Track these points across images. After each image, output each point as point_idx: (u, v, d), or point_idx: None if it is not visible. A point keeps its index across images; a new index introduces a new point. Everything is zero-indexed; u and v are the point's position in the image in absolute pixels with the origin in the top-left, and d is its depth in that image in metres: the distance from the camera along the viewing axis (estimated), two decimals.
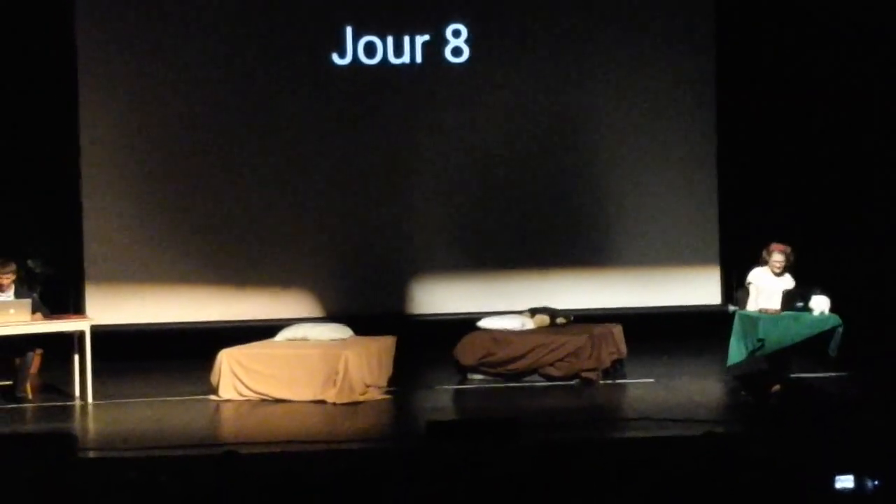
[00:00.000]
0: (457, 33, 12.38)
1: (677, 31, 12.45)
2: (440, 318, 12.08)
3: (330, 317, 11.69)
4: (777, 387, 8.88)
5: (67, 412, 9.23)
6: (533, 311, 10.79)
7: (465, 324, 10.56)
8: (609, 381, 9.96)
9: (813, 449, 6.52)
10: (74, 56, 12.13)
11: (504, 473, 6.28)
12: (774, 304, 9.13)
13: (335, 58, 12.35)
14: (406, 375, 10.07)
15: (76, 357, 9.58)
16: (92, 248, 12.17)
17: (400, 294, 12.32)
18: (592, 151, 12.51)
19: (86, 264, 12.14)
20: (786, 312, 9.03)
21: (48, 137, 12.03)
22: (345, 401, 9.13)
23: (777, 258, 9.26)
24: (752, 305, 9.32)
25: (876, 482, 5.51)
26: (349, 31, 12.34)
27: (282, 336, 10.02)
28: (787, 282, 9.30)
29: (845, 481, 5.52)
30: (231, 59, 12.30)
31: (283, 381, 9.37)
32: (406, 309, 12.32)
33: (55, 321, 9.69)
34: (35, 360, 9.85)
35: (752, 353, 9.12)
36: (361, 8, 12.35)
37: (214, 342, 9.86)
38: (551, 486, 6.25)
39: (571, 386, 9.79)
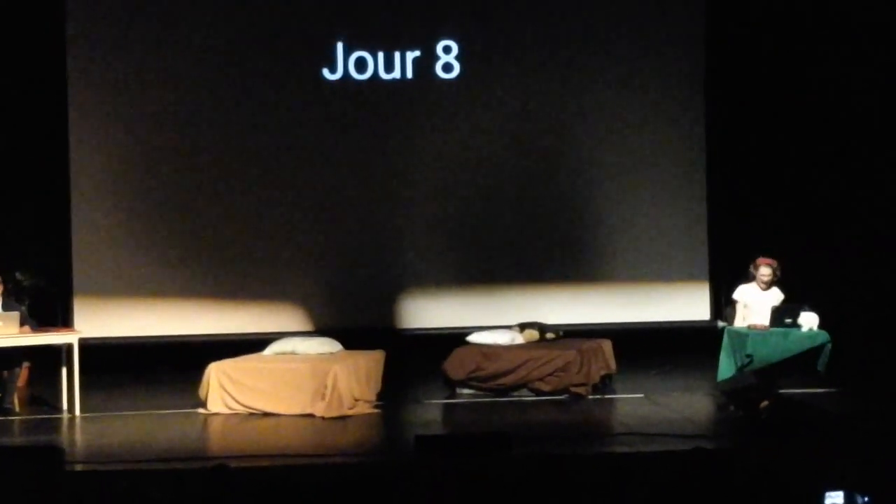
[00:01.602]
0: (447, 49, 12.41)
1: (666, 48, 12.50)
2: (429, 332, 12.07)
3: (319, 331, 11.66)
4: (766, 403, 8.88)
5: (55, 425, 9.18)
6: (522, 326, 10.79)
7: (455, 338, 10.55)
8: (598, 396, 9.95)
9: (803, 465, 6.52)
10: (64, 66, 12.13)
11: (493, 488, 6.27)
12: (763, 320, 9.14)
13: (326, 73, 12.37)
14: (395, 390, 10.04)
15: (64, 370, 9.53)
16: (80, 261, 12.14)
17: (389, 308, 12.32)
18: (582, 167, 12.54)
19: (74, 277, 12.11)
20: (774, 328, 9.04)
21: (37, 150, 12.02)
22: (333, 415, 9.10)
23: (764, 272, 9.29)
24: (740, 322, 9.33)
25: (866, 499, 5.51)
26: (340, 46, 12.36)
27: (271, 350, 9.99)
28: (776, 296, 9.31)
29: (835, 497, 5.52)
30: (222, 74, 12.31)
31: (271, 395, 9.34)
32: (395, 323, 12.32)
33: (43, 334, 9.65)
34: (23, 372, 9.81)
35: (741, 369, 9.12)
36: (352, 23, 12.37)
37: (203, 355, 9.83)
38: (540, 500, 6.24)
39: (561, 401, 9.78)
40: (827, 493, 5.55)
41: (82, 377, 9.52)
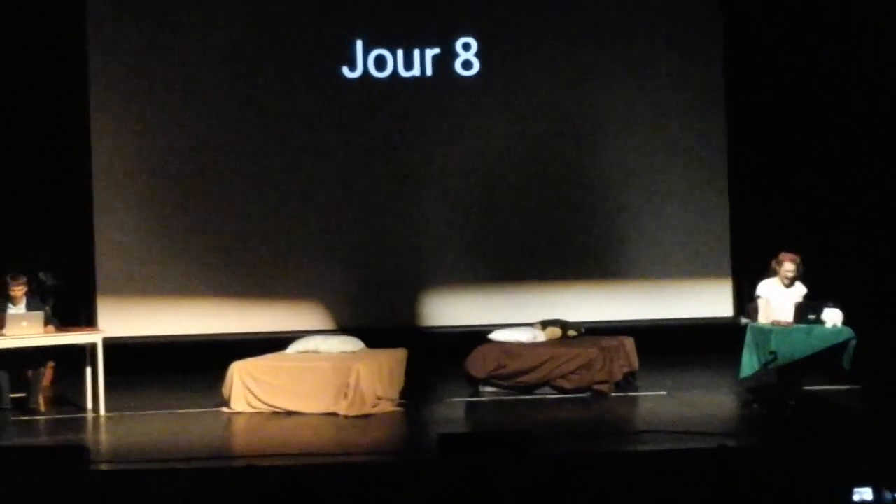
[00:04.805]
0: (466, 46, 12.40)
1: (686, 43, 12.46)
2: (451, 330, 12.07)
3: (341, 329, 11.68)
4: (792, 401, 8.83)
5: (80, 424, 9.24)
6: (544, 324, 10.77)
7: (477, 336, 10.54)
8: (621, 394, 9.93)
9: (830, 461, 6.48)
10: (86, 69, 12.19)
11: (516, 486, 6.26)
12: (787, 316, 9.09)
13: (345, 71, 12.38)
14: (417, 388, 10.05)
15: (88, 369, 9.60)
16: (104, 261, 12.20)
17: (411, 306, 12.32)
18: (603, 163, 12.51)
19: (97, 276, 12.17)
20: (798, 325, 8.99)
21: (59, 151, 12.07)
22: (356, 413, 9.12)
23: (788, 268, 9.21)
24: (763, 318, 9.27)
25: (895, 494, 5.48)
26: (359, 44, 12.37)
27: (293, 348, 10.02)
28: (799, 291, 9.24)
29: (864, 493, 5.49)
30: (242, 73, 12.34)
31: (294, 394, 9.37)
32: (417, 321, 12.32)
33: (67, 333, 9.71)
34: (47, 372, 9.86)
35: (764, 366, 9.07)
36: (371, 21, 12.38)
37: (226, 354, 9.86)
38: (563, 499, 6.23)
39: (583, 399, 9.76)
40: (855, 489, 5.52)
41: (106, 377, 9.57)
